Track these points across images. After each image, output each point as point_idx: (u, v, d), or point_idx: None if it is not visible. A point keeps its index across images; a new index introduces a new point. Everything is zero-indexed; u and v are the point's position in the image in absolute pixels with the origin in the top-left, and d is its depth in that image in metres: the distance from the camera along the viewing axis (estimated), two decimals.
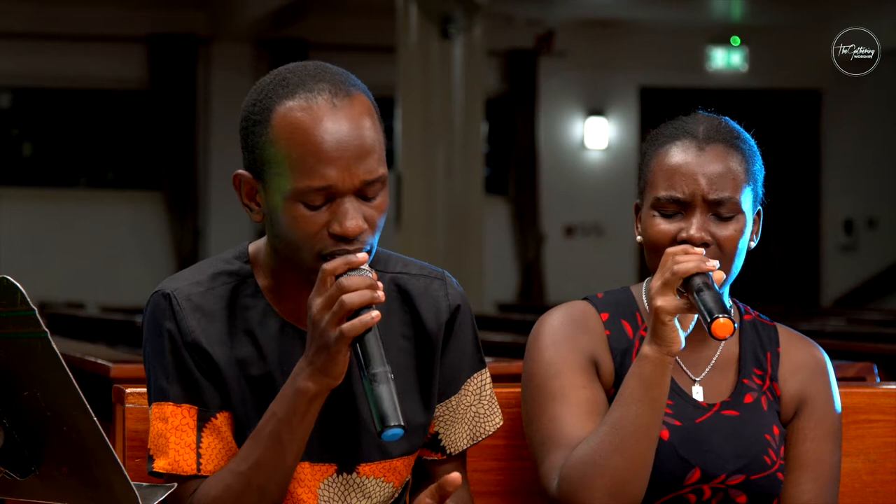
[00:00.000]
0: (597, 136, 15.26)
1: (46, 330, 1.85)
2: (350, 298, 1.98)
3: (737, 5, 15.06)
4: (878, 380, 4.19)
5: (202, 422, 2.14)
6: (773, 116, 15.26)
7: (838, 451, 2.40)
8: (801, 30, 14.81)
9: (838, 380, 2.49)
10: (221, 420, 2.15)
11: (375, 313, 1.99)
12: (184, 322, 2.14)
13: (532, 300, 14.71)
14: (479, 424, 2.29)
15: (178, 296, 2.16)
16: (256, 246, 2.22)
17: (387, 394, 1.97)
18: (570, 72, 15.04)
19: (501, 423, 2.32)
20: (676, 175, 2.31)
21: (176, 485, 2.06)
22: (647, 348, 2.22)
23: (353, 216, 2.05)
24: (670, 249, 2.24)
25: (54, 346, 1.85)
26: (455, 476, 2.01)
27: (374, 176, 2.07)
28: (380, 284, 2.02)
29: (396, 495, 2.26)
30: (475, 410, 2.29)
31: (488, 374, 2.31)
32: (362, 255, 2.03)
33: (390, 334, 2.18)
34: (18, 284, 1.85)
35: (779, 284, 15.23)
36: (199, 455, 2.14)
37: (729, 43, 15.14)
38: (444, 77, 11.31)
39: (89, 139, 14.33)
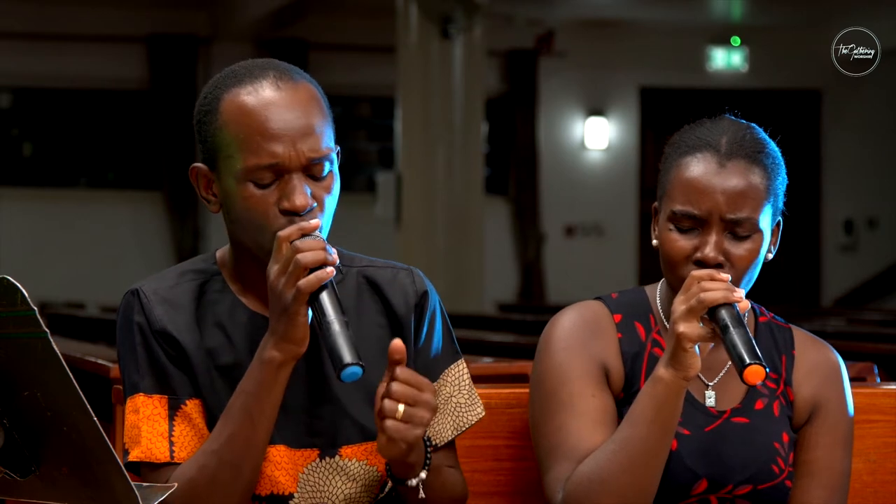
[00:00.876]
0: (597, 136, 15.26)
1: (46, 330, 1.85)
2: (304, 257, 2.06)
3: (737, 5, 15.06)
4: (878, 380, 4.20)
5: (173, 410, 2.18)
6: (773, 116, 15.22)
7: (849, 457, 2.38)
8: (801, 30, 14.81)
9: None
10: (192, 407, 2.19)
11: (330, 269, 2.06)
12: (151, 313, 2.20)
13: (532, 300, 14.71)
14: (461, 415, 2.31)
15: (145, 290, 2.23)
16: (223, 250, 2.29)
17: (341, 337, 2.04)
18: (570, 72, 15.04)
19: (483, 414, 2.34)
20: (695, 191, 2.26)
21: (176, 485, 2.07)
22: (662, 371, 2.18)
23: (300, 191, 2.13)
24: (696, 273, 2.19)
25: (54, 346, 1.85)
26: (397, 342, 2.07)
27: (320, 154, 2.15)
28: (333, 250, 2.09)
29: (384, 482, 2.27)
30: (456, 401, 2.31)
31: (465, 365, 2.34)
32: (315, 222, 2.11)
33: (365, 325, 2.24)
34: (18, 284, 1.85)
35: (779, 284, 15.23)
36: (171, 443, 2.17)
37: (729, 43, 15.14)
38: (444, 77, 11.31)
39: (89, 139, 14.33)
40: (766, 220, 2.30)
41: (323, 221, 2.15)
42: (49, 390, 1.89)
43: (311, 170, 2.15)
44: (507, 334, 7.85)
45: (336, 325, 2.04)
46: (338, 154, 2.21)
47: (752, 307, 2.44)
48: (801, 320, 8.82)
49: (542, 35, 14.89)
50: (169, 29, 14.09)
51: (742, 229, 2.26)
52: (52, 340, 1.84)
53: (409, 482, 2.16)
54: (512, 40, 14.65)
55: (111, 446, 1.86)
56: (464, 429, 2.32)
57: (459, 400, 2.31)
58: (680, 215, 2.27)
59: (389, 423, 2.05)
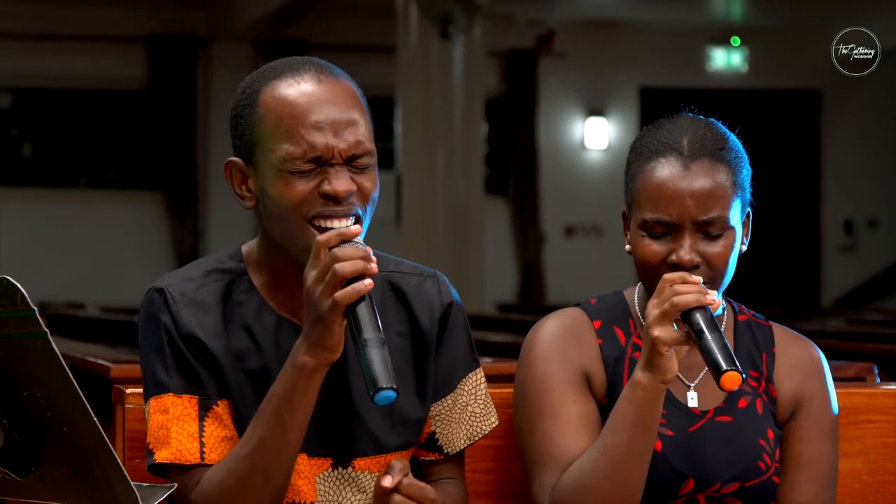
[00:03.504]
0: (597, 136, 15.26)
1: (46, 330, 1.85)
2: (342, 267, 2.01)
3: (737, 5, 15.06)
4: (878, 380, 4.20)
5: (204, 410, 2.15)
6: (773, 116, 15.26)
7: (835, 452, 2.38)
8: (801, 30, 14.81)
9: (838, 380, 2.47)
10: (222, 408, 2.16)
11: (368, 282, 2.02)
12: (178, 315, 2.16)
13: (532, 300, 14.71)
14: (475, 424, 2.30)
15: (172, 290, 2.18)
16: (249, 246, 2.25)
17: (378, 357, 2.00)
18: (570, 72, 15.04)
19: (497, 423, 2.33)
20: (663, 197, 2.26)
21: (176, 485, 2.06)
22: (640, 375, 2.18)
23: (343, 177, 2.10)
24: (668, 276, 2.19)
25: (54, 346, 1.85)
26: (386, 480, 2.04)
27: (363, 149, 2.12)
28: (373, 257, 2.05)
29: None
30: (472, 410, 2.30)
31: (483, 374, 2.33)
32: (356, 228, 2.07)
33: (387, 332, 2.18)
34: (18, 284, 1.85)
35: (779, 284, 15.23)
36: (202, 444, 2.14)
37: (729, 43, 15.14)
38: (444, 77, 11.31)
39: (89, 139, 14.33)
40: (735, 216, 2.29)
41: (363, 212, 2.12)
42: (49, 390, 1.88)
43: (354, 163, 2.12)
44: (506, 334, 7.85)
45: (374, 345, 2.00)
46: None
47: (732, 306, 2.43)
48: (800, 321, 8.83)
49: (542, 35, 14.89)
50: (169, 29, 14.09)
51: (714, 229, 2.26)
52: (52, 340, 1.84)
53: None
54: (512, 40, 14.65)
55: (111, 446, 1.86)
56: (477, 438, 2.31)
57: (475, 409, 2.30)
58: (651, 223, 2.26)
59: None
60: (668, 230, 2.26)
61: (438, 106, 11.30)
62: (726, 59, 15.27)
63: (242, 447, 2.11)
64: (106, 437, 1.87)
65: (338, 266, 2.01)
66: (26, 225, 13.93)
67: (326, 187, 2.09)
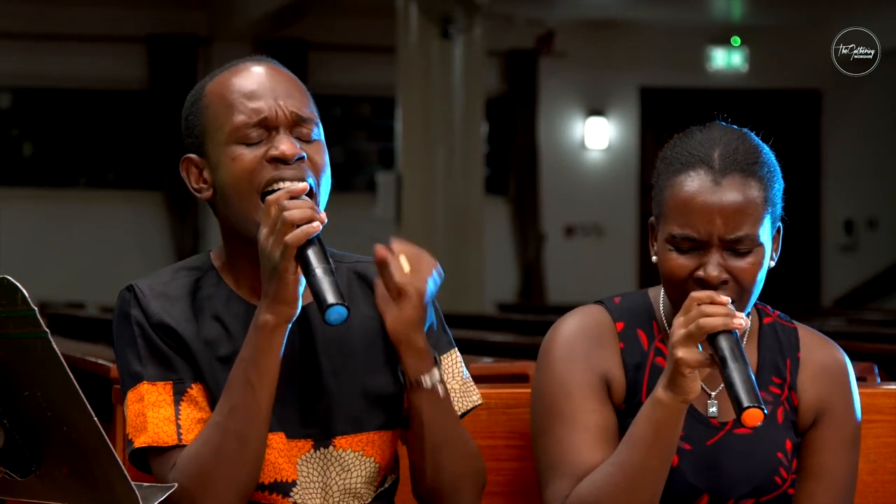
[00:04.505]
0: (597, 136, 15.26)
1: (46, 330, 1.85)
2: (291, 213, 2.07)
3: (737, 5, 15.05)
4: (878, 380, 4.20)
5: (179, 395, 2.18)
6: (773, 116, 15.24)
7: (855, 460, 2.34)
8: (801, 30, 14.81)
9: None
10: (197, 391, 2.19)
11: (316, 224, 2.07)
12: (148, 306, 2.22)
13: (532, 300, 14.70)
14: (455, 401, 2.30)
15: (140, 286, 2.25)
16: (217, 249, 2.32)
17: (325, 281, 2.05)
18: (570, 72, 15.03)
19: (480, 402, 2.33)
20: (692, 213, 2.20)
21: (176, 485, 2.07)
22: (661, 393, 2.14)
23: (289, 140, 2.16)
24: (695, 295, 2.14)
25: (54, 346, 1.85)
26: (379, 248, 2.13)
27: (307, 114, 2.19)
28: (322, 211, 2.12)
29: (384, 476, 2.28)
30: (449, 387, 2.30)
31: (459, 356, 2.34)
32: (303, 185, 2.13)
33: (357, 317, 2.25)
34: (18, 284, 1.85)
35: (779, 284, 15.21)
36: (178, 426, 2.17)
37: (729, 43, 15.14)
38: (444, 77, 11.31)
39: (89, 139, 14.33)
40: (765, 233, 2.25)
41: (312, 180, 2.17)
42: (49, 390, 1.89)
43: (299, 129, 2.19)
44: (507, 334, 7.85)
45: (319, 272, 2.06)
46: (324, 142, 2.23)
47: (757, 308, 2.39)
48: (800, 320, 8.82)
49: (542, 35, 14.89)
50: (169, 29, 14.09)
51: (742, 246, 2.21)
52: (52, 340, 1.84)
53: (424, 382, 2.17)
54: (512, 40, 14.65)
55: (111, 446, 1.86)
56: (459, 414, 2.30)
57: (453, 386, 2.31)
58: (679, 238, 2.21)
59: (398, 275, 2.11)
60: (696, 245, 2.21)
61: (438, 106, 11.30)
62: (726, 59, 15.27)
63: (215, 416, 2.14)
64: (106, 437, 1.87)
65: (287, 213, 2.07)
66: (26, 225, 13.93)
67: (273, 151, 2.16)
